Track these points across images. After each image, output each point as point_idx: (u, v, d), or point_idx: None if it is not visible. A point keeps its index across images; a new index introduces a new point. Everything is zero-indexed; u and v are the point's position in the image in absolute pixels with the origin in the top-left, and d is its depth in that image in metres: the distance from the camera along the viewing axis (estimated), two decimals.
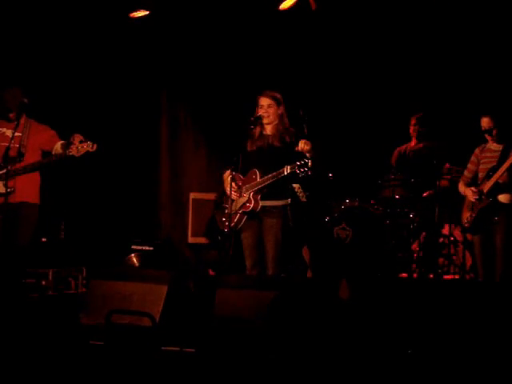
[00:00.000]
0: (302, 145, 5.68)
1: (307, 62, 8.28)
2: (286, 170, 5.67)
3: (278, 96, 5.99)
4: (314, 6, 7.57)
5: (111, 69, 8.55)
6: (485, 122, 6.05)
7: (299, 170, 5.58)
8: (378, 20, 7.94)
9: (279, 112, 5.97)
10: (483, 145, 6.17)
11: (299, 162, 5.58)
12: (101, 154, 5.96)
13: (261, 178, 5.85)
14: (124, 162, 8.71)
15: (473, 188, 6.09)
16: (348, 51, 8.18)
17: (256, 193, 5.88)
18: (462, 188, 6.26)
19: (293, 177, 5.78)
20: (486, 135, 6.07)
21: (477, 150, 6.18)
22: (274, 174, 5.75)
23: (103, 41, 8.40)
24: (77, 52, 8.32)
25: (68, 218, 8.23)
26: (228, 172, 5.93)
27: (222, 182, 6.13)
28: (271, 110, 5.95)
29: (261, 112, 5.95)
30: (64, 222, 8.15)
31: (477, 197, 6.02)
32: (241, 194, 5.91)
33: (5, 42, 7.75)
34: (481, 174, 6.12)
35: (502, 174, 5.89)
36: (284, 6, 7.77)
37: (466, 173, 6.30)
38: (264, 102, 5.97)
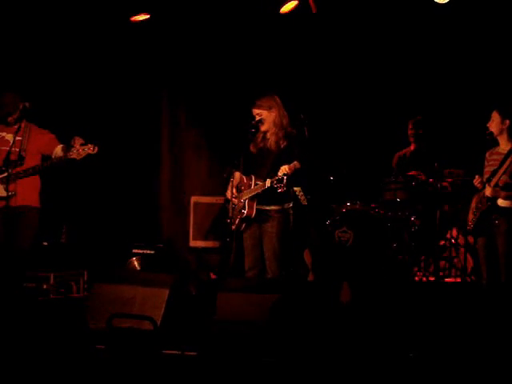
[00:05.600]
0: (284, 169, 5.67)
1: (308, 65, 8.29)
2: (267, 184, 5.67)
3: (267, 101, 5.97)
4: (314, 10, 7.58)
5: (112, 71, 8.55)
6: (494, 117, 5.93)
7: (276, 185, 5.58)
8: (378, 24, 7.95)
9: (272, 115, 5.96)
10: (493, 148, 6.06)
11: (277, 177, 5.59)
12: (102, 157, 5.96)
13: (255, 184, 5.87)
14: (125, 164, 8.71)
15: (477, 176, 5.98)
16: (349, 55, 8.19)
17: (251, 199, 5.88)
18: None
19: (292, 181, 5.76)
20: (495, 137, 5.96)
21: (487, 154, 6.07)
22: (260, 185, 5.78)
23: (104, 43, 8.40)
24: (78, 54, 8.32)
25: (69, 221, 8.24)
26: (233, 173, 5.93)
27: (228, 183, 6.12)
28: (264, 116, 5.95)
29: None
30: (65, 225, 8.16)
31: (480, 185, 5.92)
32: (239, 199, 5.90)
33: (4, 45, 7.75)
34: (485, 177, 6.05)
35: (500, 176, 5.81)
36: (285, 9, 7.78)
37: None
38: (254, 112, 5.98)
